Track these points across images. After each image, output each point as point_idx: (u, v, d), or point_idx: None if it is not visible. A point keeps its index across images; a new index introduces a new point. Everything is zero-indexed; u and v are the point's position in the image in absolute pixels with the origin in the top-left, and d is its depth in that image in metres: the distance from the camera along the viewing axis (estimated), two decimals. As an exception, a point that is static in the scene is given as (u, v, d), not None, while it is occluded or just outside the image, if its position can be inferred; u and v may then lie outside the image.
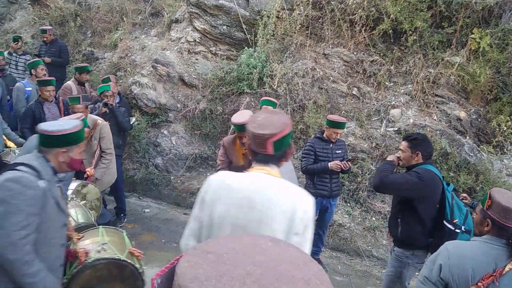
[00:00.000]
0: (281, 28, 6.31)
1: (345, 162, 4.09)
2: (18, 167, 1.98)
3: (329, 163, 4.13)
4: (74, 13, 8.35)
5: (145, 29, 7.63)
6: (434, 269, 2.10)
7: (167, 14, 7.30)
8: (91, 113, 5.08)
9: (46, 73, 5.56)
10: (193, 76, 6.60)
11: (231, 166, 3.88)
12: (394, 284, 3.17)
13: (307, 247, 1.67)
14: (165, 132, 6.34)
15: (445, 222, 2.97)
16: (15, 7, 9.33)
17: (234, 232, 1.65)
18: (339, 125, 4.16)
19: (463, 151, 5.40)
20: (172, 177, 6.12)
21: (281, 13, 6.31)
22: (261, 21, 6.27)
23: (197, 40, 6.80)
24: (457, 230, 2.94)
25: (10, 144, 4.60)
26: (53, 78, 4.93)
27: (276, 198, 1.64)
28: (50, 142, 2.08)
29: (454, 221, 2.96)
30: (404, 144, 3.12)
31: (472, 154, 5.41)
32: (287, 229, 1.62)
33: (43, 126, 2.10)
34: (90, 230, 2.65)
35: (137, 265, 2.48)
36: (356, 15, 6.28)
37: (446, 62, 5.91)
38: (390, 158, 3.27)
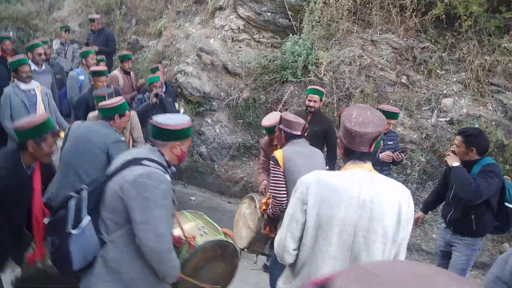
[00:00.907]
0: (327, 14, 6.15)
1: (397, 153, 3.98)
2: (143, 162, 2.01)
3: (380, 154, 4.03)
4: (119, 1, 8.50)
5: (189, 16, 7.66)
6: (507, 268, 2.04)
7: (210, 1, 7.27)
8: (140, 103, 5.19)
9: (95, 62, 5.70)
10: (237, 64, 6.58)
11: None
12: (465, 273, 3.27)
13: (407, 239, 1.77)
14: (209, 120, 6.39)
15: (506, 204, 3.16)
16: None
17: (343, 231, 1.69)
18: (392, 116, 4.05)
19: (521, 143, 5.13)
20: (216, 166, 6.19)
21: (327, -1, 6.15)
22: (307, 7, 6.13)
23: (240, 27, 6.76)
24: None
25: (62, 135, 4.76)
26: (105, 68, 5.04)
27: (384, 194, 1.68)
28: (168, 135, 2.12)
29: None
30: (459, 139, 3.13)
31: (531, 147, 5.13)
32: (396, 224, 1.68)
33: (161, 120, 2.13)
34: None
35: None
36: (406, -1, 6.03)
37: (503, 49, 5.58)
38: (454, 163, 3.18)
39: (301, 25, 6.34)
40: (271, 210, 2.97)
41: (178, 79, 6.39)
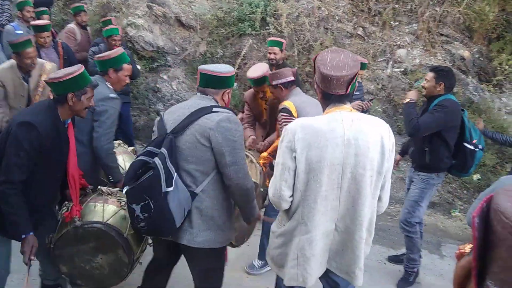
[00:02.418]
0: (283, -37, 5.97)
1: (367, 102, 4.08)
2: (214, 109, 2.09)
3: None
4: None
5: (133, -36, 7.05)
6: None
7: None
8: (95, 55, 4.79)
9: (34, 15, 5.13)
10: (190, 16, 6.26)
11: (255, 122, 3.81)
12: (417, 206, 3.42)
13: (391, 170, 1.89)
14: (165, 77, 6.10)
15: (465, 144, 3.28)
16: None
17: (332, 170, 1.77)
18: (361, 66, 4.09)
19: (467, 91, 5.48)
20: (175, 123, 6.00)
21: None
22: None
23: (192, -23, 6.37)
24: (476, 149, 3.30)
25: None
26: (49, 22, 4.54)
27: (366, 130, 1.77)
28: (222, 83, 2.20)
29: (474, 142, 3.31)
30: (430, 75, 3.28)
31: (476, 94, 5.50)
32: (380, 156, 1.79)
33: (214, 68, 2.20)
34: None
35: None
36: None
37: (453, 0, 5.81)
38: (410, 96, 3.34)
39: (257, -26, 6.10)
40: None
41: (128, 33, 5.96)
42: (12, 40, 3.65)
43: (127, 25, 5.98)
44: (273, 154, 3.04)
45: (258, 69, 3.48)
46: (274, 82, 3.12)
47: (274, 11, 5.89)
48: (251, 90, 3.72)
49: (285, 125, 2.83)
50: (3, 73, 3.61)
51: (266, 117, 3.73)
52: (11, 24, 5.10)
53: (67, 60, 4.56)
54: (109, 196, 2.53)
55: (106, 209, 2.45)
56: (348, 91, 1.78)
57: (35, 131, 2.11)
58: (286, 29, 5.74)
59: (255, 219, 2.37)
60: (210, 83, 2.19)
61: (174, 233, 2.11)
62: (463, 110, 3.37)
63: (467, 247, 1.02)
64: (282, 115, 2.94)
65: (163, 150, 2.01)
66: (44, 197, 2.35)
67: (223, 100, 2.25)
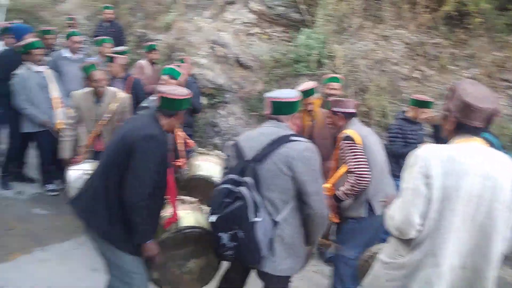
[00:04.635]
0: (340, 8, 6.22)
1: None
2: (292, 138, 2.15)
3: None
4: (126, -5, 8.46)
5: (198, 10, 7.66)
6: None
7: (221, -5, 7.30)
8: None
9: (111, 51, 5.66)
10: (249, 57, 6.60)
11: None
12: None
13: None
14: (222, 112, 6.39)
15: None
16: (67, -11, 9.53)
17: (468, 202, 1.71)
18: (428, 105, 4.12)
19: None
20: (229, 157, 6.19)
21: (341, -6, 6.22)
22: (323, 1, 6.19)
23: (252, 21, 6.79)
24: None
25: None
26: (122, 57, 5.01)
27: (501, 165, 1.75)
28: (291, 108, 2.27)
29: None
30: None
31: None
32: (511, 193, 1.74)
33: (283, 95, 2.28)
34: None
35: None
36: (418, -5, 6.13)
37: (513, 46, 5.71)
38: None
39: (313, 19, 6.39)
40: (352, 190, 2.87)
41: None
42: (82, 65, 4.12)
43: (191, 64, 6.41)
44: (336, 184, 3.06)
45: (306, 84, 3.82)
46: (336, 109, 3.15)
47: (330, 53, 6.08)
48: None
49: (351, 153, 2.87)
50: (78, 97, 4.00)
51: (308, 133, 3.85)
52: (90, 58, 5.67)
53: (134, 92, 4.92)
54: (191, 204, 2.69)
55: (196, 216, 2.58)
56: (486, 125, 1.77)
57: (159, 142, 2.28)
58: (341, 70, 5.88)
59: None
60: (282, 109, 2.26)
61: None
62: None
63: None
64: (346, 143, 2.95)
65: (249, 179, 2.07)
66: (161, 205, 2.50)
67: (295, 124, 2.31)
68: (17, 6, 8.75)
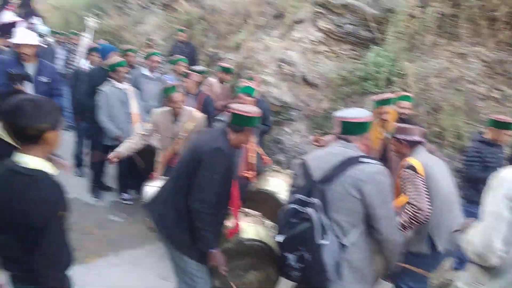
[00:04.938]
0: (412, 25, 6.05)
1: None
2: (362, 160, 2.10)
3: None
4: (200, 17, 8.93)
5: (267, 30, 7.86)
6: None
7: (289, 15, 7.44)
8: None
9: (185, 69, 5.99)
10: (315, 75, 6.63)
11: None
12: None
13: None
14: (288, 130, 6.45)
15: None
16: (147, 12, 10.29)
17: None
18: (509, 126, 3.83)
19: None
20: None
21: (414, 11, 6.05)
22: (395, 18, 6.08)
23: (320, 39, 6.83)
24: None
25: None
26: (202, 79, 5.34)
27: None
28: (362, 128, 2.22)
29: None
30: None
31: None
32: None
33: (353, 115, 2.22)
34: None
35: None
36: (498, 11, 5.79)
37: None
38: None
39: (384, 36, 6.28)
40: (410, 223, 2.73)
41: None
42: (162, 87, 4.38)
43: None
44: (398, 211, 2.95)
45: (383, 95, 3.75)
46: (400, 137, 3.01)
47: (400, 71, 5.91)
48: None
49: (411, 183, 2.72)
50: (157, 115, 4.26)
51: (381, 148, 3.74)
52: (165, 76, 6.05)
53: (204, 108, 5.15)
54: (254, 217, 2.76)
55: (257, 229, 2.66)
56: None
57: (225, 155, 2.43)
58: (412, 89, 5.68)
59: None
60: (351, 129, 2.19)
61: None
62: None
63: None
64: (407, 172, 2.81)
65: (317, 200, 2.03)
66: (224, 215, 2.63)
67: (365, 145, 2.25)
68: (103, 28, 9.62)
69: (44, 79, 4.46)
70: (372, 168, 2.06)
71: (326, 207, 2.05)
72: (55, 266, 1.78)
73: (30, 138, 1.71)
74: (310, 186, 2.12)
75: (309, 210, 2.01)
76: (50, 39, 9.04)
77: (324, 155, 2.23)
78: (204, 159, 2.39)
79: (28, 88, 4.19)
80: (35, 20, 9.10)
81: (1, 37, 7.72)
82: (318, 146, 4.07)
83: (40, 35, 8.93)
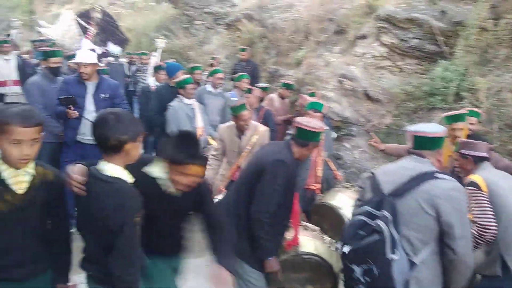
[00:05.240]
0: (484, 38, 5.76)
1: None
2: (437, 175, 2.03)
3: None
4: (261, 35, 9.17)
5: (328, 46, 7.88)
6: None
7: (352, 30, 7.41)
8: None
9: (248, 85, 6.18)
10: (378, 90, 6.50)
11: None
12: None
13: None
14: (347, 145, 6.36)
15: None
16: (212, 32, 10.77)
17: None
18: None
19: None
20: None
21: (485, 23, 5.76)
22: (465, 31, 5.83)
23: (383, 54, 6.71)
24: None
25: (212, 142, 5.18)
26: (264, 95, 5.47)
27: None
28: (437, 143, 2.16)
29: None
30: None
31: None
32: None
33: (429, 129, 2.17)
34: None
35: None
36: None
37: None
38: None
39: (452, 50, 6.03)
40: (475, 242, 2.57)
41: (319, 104, 6.55)
42: (231, 104, 4.50)
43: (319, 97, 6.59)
44: None
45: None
46: (465, 152, 2.87)
47: (470, 85, 5.62)
48: None
49: (474, 201, 2.55)
50: (223, 131, 4.41)
51: (448, 164, 3.58)
52: (229, 93, 6.27)
53: (264, 122, 5.26)
54: (314, 231, 2.77)
55: (316, 244, 2.67)
56: None
57: (287, 168, 2.50)
58: (484, 104, 5.38)
59: None
60: (425, 144, 2.13)
61: None
62: None
63: None
64: (470, 190, 2.65)
65: (387, 213, 1.98)
66: (284, 226, 2.68)
67: (438, 161, 2.17)
68: (171, 47, 10.21)
69: (103, 95, 4.69)
70: (448, 184, 1.98)
71: (397, 221, 1.98)
72: (129, 268, 1.90)
73: (112, 148, 1.88)
74: (379, 199, 2.06)
75: (380, 223, 1.95)
76: (122, 59, 9.76)
77: (395, 169, 2.17)
78: (267, 170, 2.47)
79: (88, 105, 4.54)
80: (110, 45, 9.94)
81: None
82: (376, 146, 4.29)
83: (113, 56, 9.72)
